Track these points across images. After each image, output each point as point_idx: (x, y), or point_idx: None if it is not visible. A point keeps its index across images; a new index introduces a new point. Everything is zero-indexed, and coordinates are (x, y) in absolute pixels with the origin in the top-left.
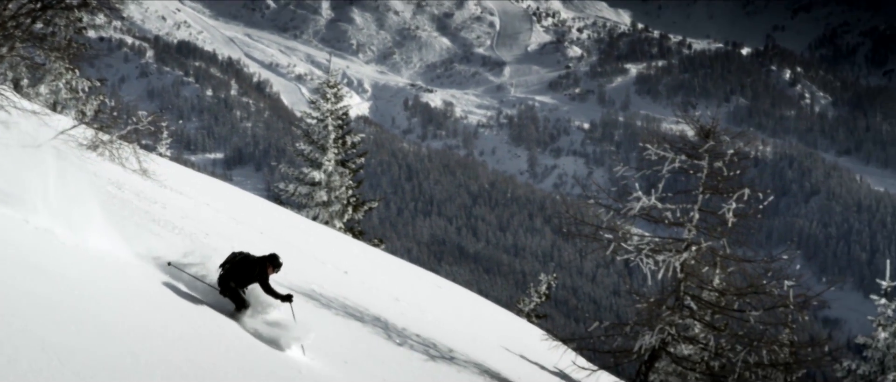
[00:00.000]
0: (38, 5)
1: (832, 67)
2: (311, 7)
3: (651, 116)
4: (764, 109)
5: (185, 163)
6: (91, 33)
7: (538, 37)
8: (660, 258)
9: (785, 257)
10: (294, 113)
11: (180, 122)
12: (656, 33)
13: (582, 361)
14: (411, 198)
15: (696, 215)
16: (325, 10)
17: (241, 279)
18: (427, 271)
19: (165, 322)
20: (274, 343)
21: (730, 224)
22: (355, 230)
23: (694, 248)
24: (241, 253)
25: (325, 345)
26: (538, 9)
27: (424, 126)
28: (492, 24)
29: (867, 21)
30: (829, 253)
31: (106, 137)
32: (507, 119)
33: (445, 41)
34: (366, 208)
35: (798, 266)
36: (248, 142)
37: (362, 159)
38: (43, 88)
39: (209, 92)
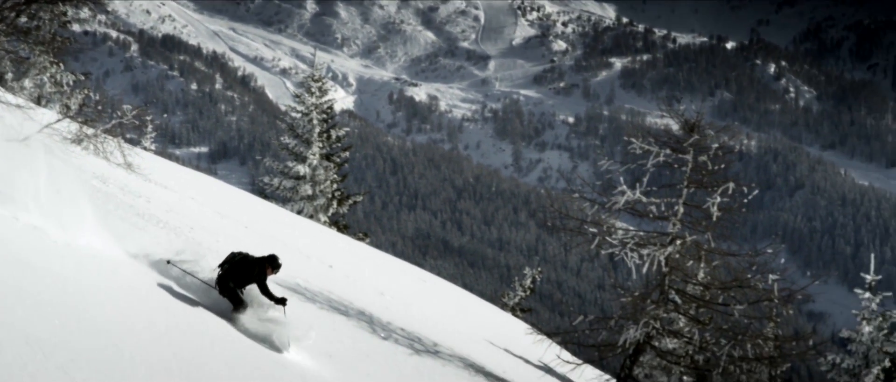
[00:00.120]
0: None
1: (817, 61)
2: (295, 1)
3: (636, 110)
4: (748, 103)
5: (170, 157)
6: (75, 27)
7: (523, 31)
8: (644, 252)
9: (769, 251)
10: (279, 107)
11: (165, 116)
12: (641, 27)
13: (566, 355)
14: (396, 192)
15: (681, 209)
16: (310, 4)
17: (240, 279)
18: (412, 265)
19: (150, 317)
20: (272, 342)
21: (714, 218)
22: (340, 224)
23: (678, 242)
24: (240, 253)
25: (295, 333)
26: (523, 3)
27: (409, 120)
28: (476, 18)
29: (851, 15)
30: (814, 247)
31: (90, 131)
32: (491, 113)
33: (430, 35)
34: (350, 202)
35: (782, 260)
36: (232, 136)
37: (347, 153)
38: (27, 82)
39: (194, 86)
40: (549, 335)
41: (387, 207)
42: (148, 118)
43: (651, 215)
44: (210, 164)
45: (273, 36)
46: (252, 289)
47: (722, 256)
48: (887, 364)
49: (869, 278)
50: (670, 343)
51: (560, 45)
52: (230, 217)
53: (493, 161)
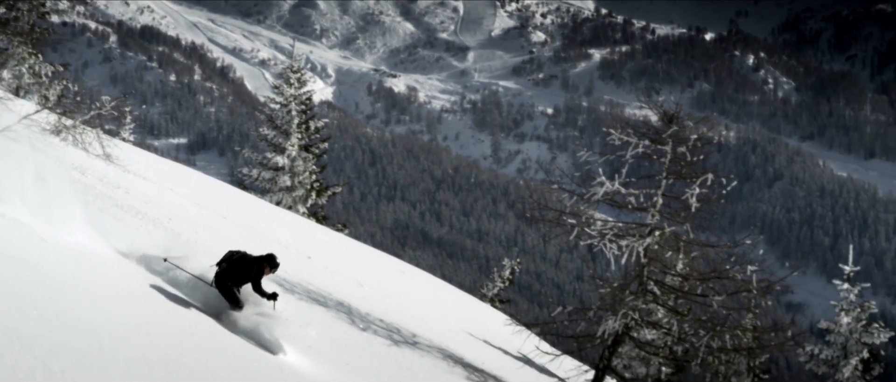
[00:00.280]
0: None
1: (795, 52)
2: None
3: (614, 101)
4: (727, 95)
5: (149, 148)
6: (54, 18)
7: (502, 22)
8: (623, 242)
9: (748, 242)
10: (258, 98)
11: (143, 107)
12: (620, 18)
13: (545, 346)
14: (375, 183)
15: (660, 201)
16: None
17: (239, 277)
18: (390, 256)
19: (130, 309)
20: (258, 336)
21: (693, 209)
22: (319, 215)
23: (657, 233)
24: (238, 252)
25: (289, 330)
26: None
27: (388, 111)
28: (455, 10)
29: (830, 6)
30: (792, 238)
31: (69, 122)
32: (470, 104)
33: (409, 26)
34: (329, 193)
35: (761, 251)
36: (211, 127)
37: (326, 144)
38: (6, 73)
39: (172, 77)
40: (528, 326)
41: (366, 198)
42: (127, 109)
43: (630, 207)
44: (189, 155)
45: (252, 27)
46: (245, 286)
47: (701, 247)
48: (865, 354)
49: (847, 269)
50: (649, 334)
51: (539, 36)
52: (209, 208)
53: (472, 152)
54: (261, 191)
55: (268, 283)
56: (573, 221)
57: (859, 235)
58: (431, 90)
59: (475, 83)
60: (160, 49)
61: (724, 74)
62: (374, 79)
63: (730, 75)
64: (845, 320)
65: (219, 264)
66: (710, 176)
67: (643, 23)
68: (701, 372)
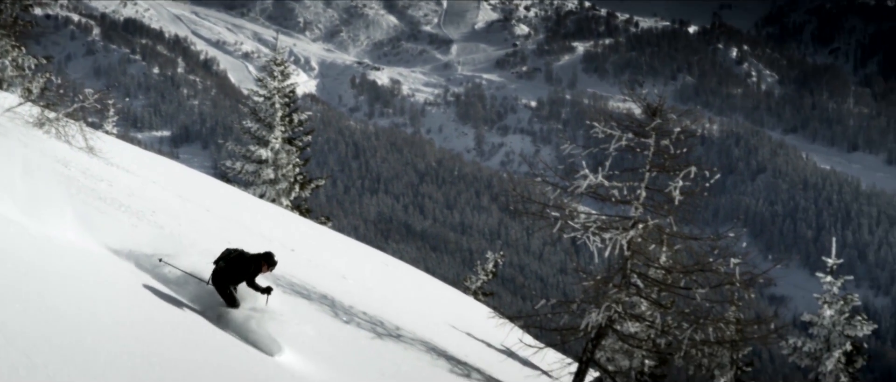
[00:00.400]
0: None
1: (779, 45)
2: None
3: (598, 94)
4: (711, 88)
5: (132, 141)
6: (37, 10)
7: (485, 15)
8: (606, 235)
9: (731, 234)
10: (241, 91)
11: (127, 99)
12: (603, 11)
13: (528, 339)
14: (358, 176)
15: (643, 193)
16: None
17: (236, 276)
18: (374, 249)
19: (116, 304)
20: (247, 330)
21: (676, 202)
22: (302, 208)
23: (641, 226)
24: (236, 250)
25: (271, 323)
26: None
27: (371, 104)
28: (439, 2)
29: None
30: (776, 231)
31: (52, 115)
32: (454, 97)
33: (392, 19)
34: (313, 185)
35: (744, 244)
36: (194, 120)
37: (309, 137)
38: None
39: (156, 70)
40: (512, 318)
41: (349, 191)
42: (110, 102)
43: (613, 199)
44: (172, 148)
45: (235, 20)
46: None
47: (684, 239)
48: (848, 347)
49: (830, 261)
50: (632, 327)
51: (522, 29)
52: (192, 201)
53: (455, 145)
54: (244, 184)
55: (263, 280)
56: (556, 214)
57: (842, 227)
58: (415, 83)
59: (458, 76)
60: (143, 42)
61: (707, 67)
62: (357, 72)
63: (713, 68)
64: (828, 312)
65: (216, 262)
66: (694, 169)
67: (627, 16)
68: (684, 365)
